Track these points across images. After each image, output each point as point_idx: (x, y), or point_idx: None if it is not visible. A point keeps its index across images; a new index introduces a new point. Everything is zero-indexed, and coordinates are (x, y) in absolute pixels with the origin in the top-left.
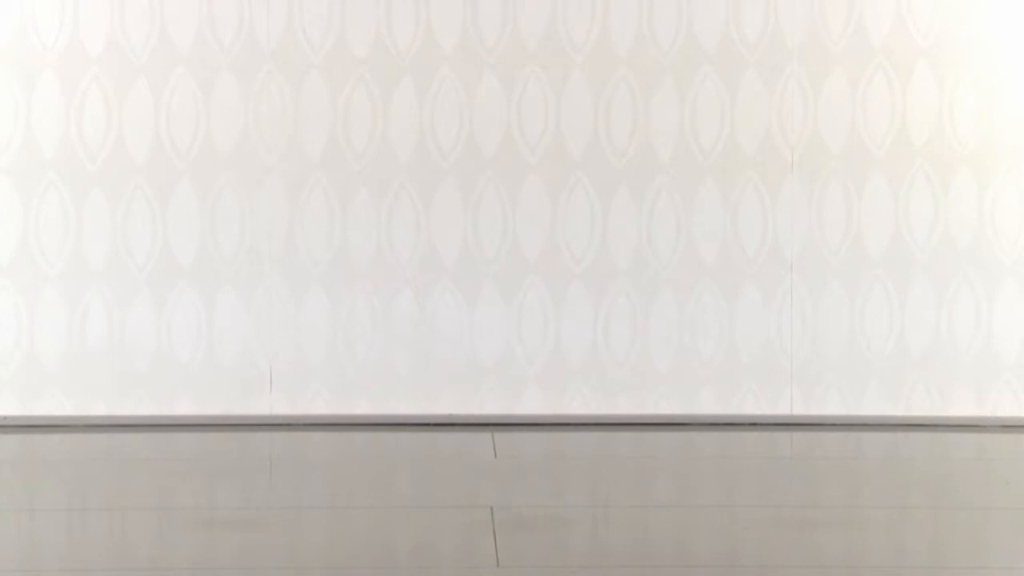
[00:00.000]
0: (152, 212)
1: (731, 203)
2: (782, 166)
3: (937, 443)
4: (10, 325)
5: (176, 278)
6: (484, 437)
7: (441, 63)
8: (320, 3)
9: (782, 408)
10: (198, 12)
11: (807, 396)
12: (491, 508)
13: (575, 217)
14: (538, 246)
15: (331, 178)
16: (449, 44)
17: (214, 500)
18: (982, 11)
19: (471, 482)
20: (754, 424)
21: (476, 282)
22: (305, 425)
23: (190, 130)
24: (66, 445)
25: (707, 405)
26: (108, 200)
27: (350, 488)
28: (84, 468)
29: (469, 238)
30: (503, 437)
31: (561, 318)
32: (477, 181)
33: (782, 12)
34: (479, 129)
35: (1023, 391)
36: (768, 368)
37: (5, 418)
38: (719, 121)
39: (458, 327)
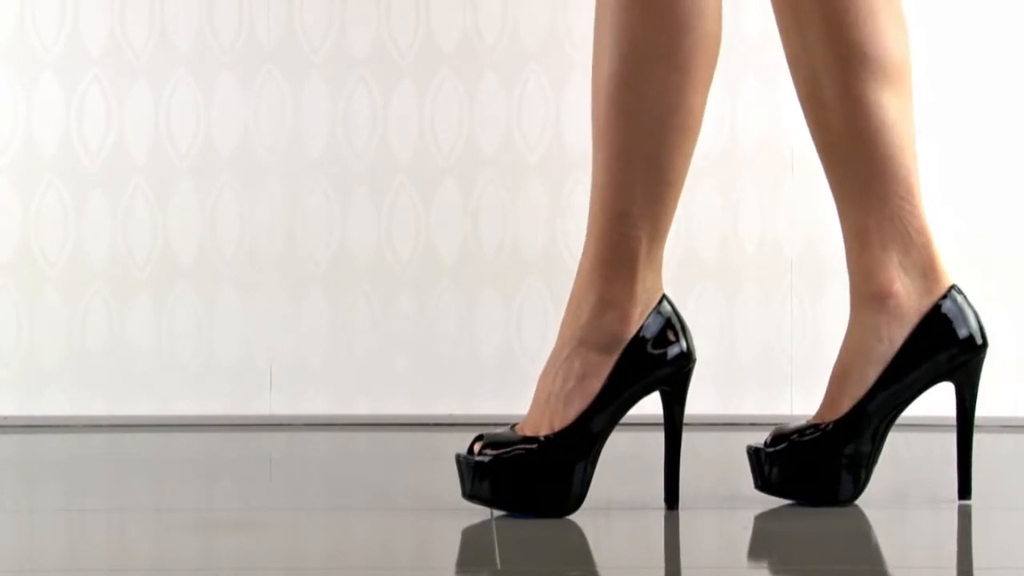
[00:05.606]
0: (152, 212)
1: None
2: (782, 165)
3: (936, 443)
4: (10, 325)
5: (176, 278)
6: None
7: (440, 63)
8: (320, 3)
9: (782, 408)
10: (198, 12)
11: (807, 396)
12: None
13: (576, 216)
14: (539, 244)
15: (331, 178)
16: (449, 44)
17: (213, 500)
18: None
19: None
20: (754, 424)
21: (477, 282)
22: (305, 425)
23: (190, 130)
24: (66, 445)
25: (707, 405)
26: (108, 200)
27: (350, 489)
28: (84, 468)
29: (469, 237)
30: None
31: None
32: (477, 181)
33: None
34: (479, 129)
35: (1023, 391)
36: (768, 368)
37: (5, 418)
38: (719, 121)
39: (458, 326)
